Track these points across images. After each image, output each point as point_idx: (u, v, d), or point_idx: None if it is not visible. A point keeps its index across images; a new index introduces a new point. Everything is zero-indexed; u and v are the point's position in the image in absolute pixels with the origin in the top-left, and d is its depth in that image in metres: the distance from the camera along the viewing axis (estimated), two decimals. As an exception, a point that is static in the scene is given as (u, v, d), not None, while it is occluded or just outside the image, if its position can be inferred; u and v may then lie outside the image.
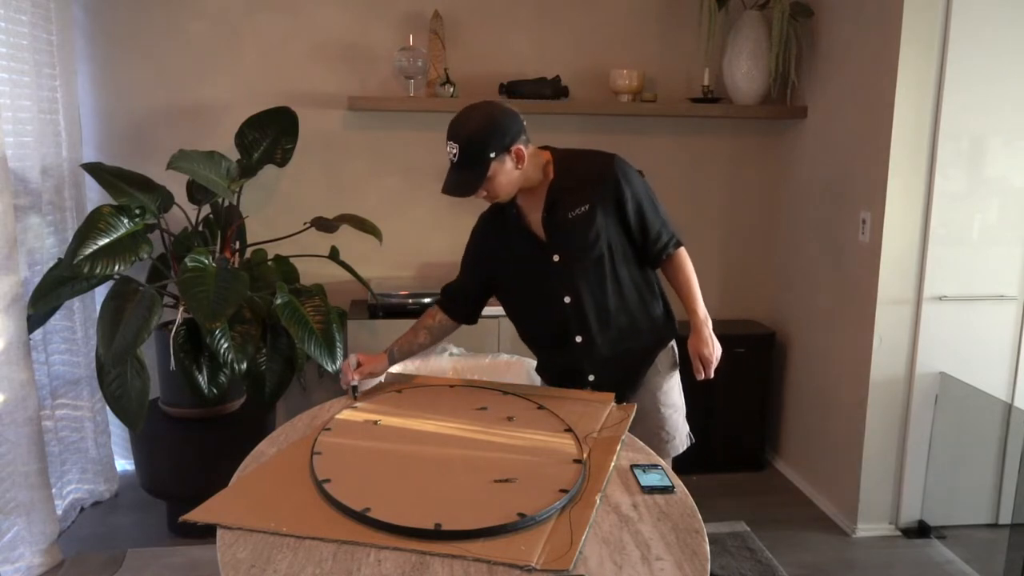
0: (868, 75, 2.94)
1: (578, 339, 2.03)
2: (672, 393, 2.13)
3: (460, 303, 2.18)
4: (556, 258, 1.99)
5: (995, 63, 2.76)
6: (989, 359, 2.96)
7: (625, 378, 2.08)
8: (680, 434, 2.14)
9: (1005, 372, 2.98)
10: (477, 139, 1.84)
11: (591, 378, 2.08)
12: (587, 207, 1.95)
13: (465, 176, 1.87)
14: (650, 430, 2.06)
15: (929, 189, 2.83)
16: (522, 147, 1.88)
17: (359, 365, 2.03)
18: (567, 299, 2.00)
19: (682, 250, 2.07)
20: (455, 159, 1.85)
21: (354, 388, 2.01)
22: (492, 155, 1.85)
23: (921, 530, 3.02)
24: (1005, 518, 2.97)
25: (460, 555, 1.29)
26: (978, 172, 2.85)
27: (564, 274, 2.00)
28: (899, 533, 3.03)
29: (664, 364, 2.11)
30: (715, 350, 2.03)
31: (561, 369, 2.12)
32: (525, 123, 1.91)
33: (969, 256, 2.88)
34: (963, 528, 3.01)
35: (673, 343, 2.14)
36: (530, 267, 2.03)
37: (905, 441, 2.99)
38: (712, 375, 2.04)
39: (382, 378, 2.16)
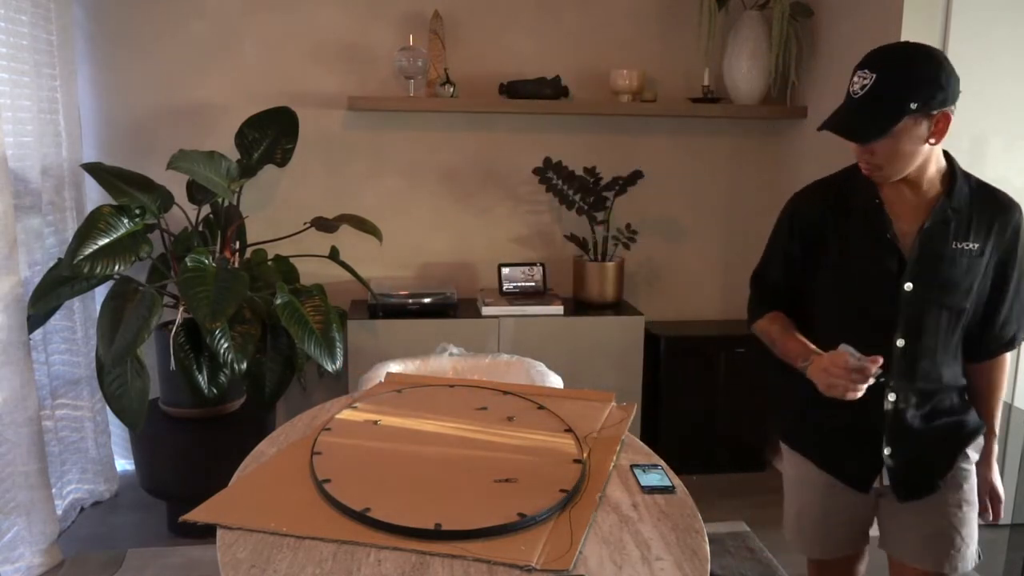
0: (868, 75, 2.94)
1: (891, 397, 1.59)
2: (975, 489, 1.67)
3: (780, 302, 1.77)
4: (909, 287, 1.55)
5: (995, 63, 2.76)
6: (989, 359, 2.95)
7: (929, 464, 1.63)
8: (975, 541, 1.65)
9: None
10: (906, 76, 1.40)
11: (887, 452, 1.60)
12: (978, 246, 1.55)
13: (867, 117, 1.42)
14: (942, 531, 1.62)
15: (929, 189, 2.83)
16: (951, 115, 1.43)
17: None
18: (900, 343, 1.57)
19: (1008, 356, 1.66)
20: (861, 92, 1.43)
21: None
22: (913, 106, 1.39)
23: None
24: (1005, 518, 2.97)
25: (460, 555, 1.29)
26: (978, 172, 2.82)
27: (911, 310, 1.56)
28: (899, 533, 3.03)
29: (972, 452, 1.69)
30: (1001, 488, 1.70)
31: (845, 431, 1.63)
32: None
33: (969, 256, 2.88)
34: (963, 528, 3.01)
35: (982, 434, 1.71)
36: (867, 283, 1.59)
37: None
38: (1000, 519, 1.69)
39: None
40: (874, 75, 1.41)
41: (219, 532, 1.37)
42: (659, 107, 3.40)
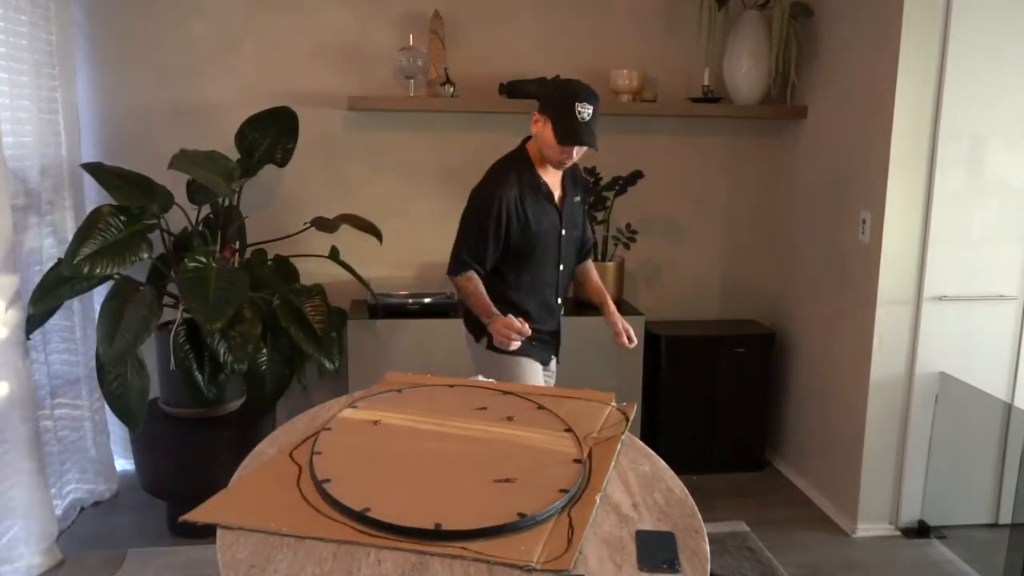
0: (868, 75, 2.94)
1: (558, 301, 2.53)
2: None
3: (486, 266, 2.41)
4: (564, 232, 2.43)
5: (995, 63, 2.76)
6: (989, 359, 2.95)
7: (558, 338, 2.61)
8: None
9: (1005, 372, 2.98)
10: (600, 106, 2.27)
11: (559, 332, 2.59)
12: (579, 197, 2.52)
13: (594, 134, 2.25)
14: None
15: (929, 189, 2.83)
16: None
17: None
18: (561, 267, 2.47)
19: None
20: (589, 117, 2.21)
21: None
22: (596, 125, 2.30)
23: (921, 530, 3.02)
24: (1005, 518, 2.97)
25: (460, 555, 1.29)
26: (978, 172, 2.84)
27: (565, 246, 2.45)
28: (899, 533, 3.03)
29: None
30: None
31: (543, 330, 2.49)
32: None
33: (969, 256, 2.88)
34: (963, 528, 3.01)
35: None
36: (547, 234, 2.40)
37: (905, 441, 2.99)
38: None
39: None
40: (591, 108, 2.21)
41: (219, 532, 1.37)
42: (659, 107, 3.40)
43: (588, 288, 2.64)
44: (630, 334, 2.47)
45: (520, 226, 2.35)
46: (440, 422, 1.85)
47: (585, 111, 2.20)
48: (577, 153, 2.29)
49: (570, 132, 2.22)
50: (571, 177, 2.48)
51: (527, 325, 2.21)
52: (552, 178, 2.40)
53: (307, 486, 1.52)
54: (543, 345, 2.53)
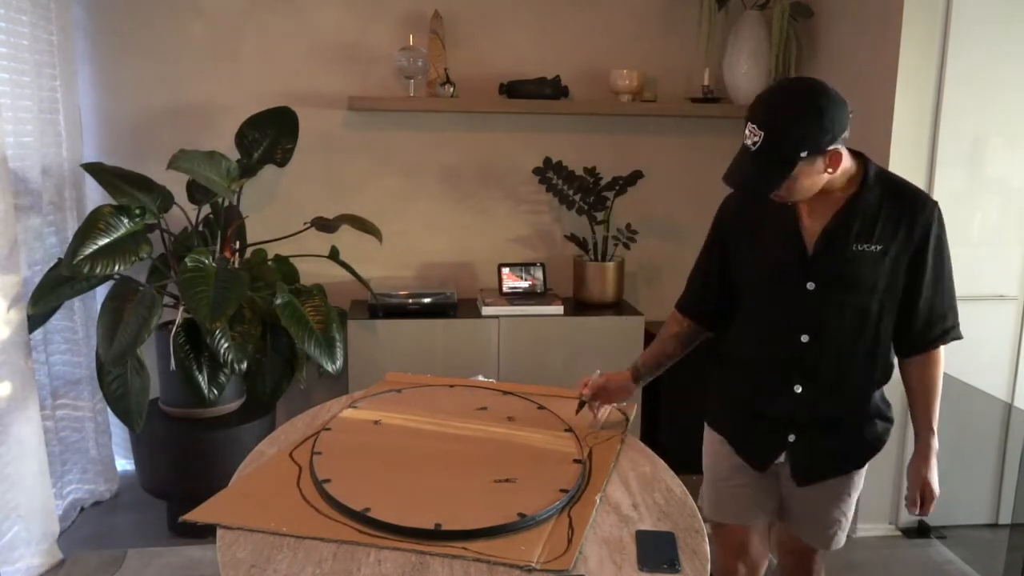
0: (868, 75, 2.94)
1: (797, 389, 1.66)
2: (863, 476, 1.83)
3: (700, 299, 1.83)
4: (811, 286, 1.61)
5: (995, 63, 2.76)
6: (989, 359, 2.95)
7: (826, 462, 1.73)
8: (849, 525, 1.86)
9: (1005, 372, 2.98)
10: (792, 132, 1.46)
11: (791, 439, 1.70)
12: (881, 247, 1.58)
13: (761, 172, 1.49)
14: (827, 513, 1.80)
15: (929, 189, 2.83)
16: (841, 149, 1.50)
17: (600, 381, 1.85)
18: (804, 338, 1.64)
19: (939, 351, 1.72)
20: (754, 146, 1.48)
21: (581, 403, 1.85)
22: (804, 154, 1.46)
23: (921, 530, 3.02)
24: (1005, 518, 2.97)
25: (460, 555, 1.29)
26: (978, 172, 2.85)
27: (814, 307, 1.62)
28: (899, 533, 3.03)
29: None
30: (936, 485, 1.71)
31: (756, 419, 1.73)
32: (852, 114, 1.52)
33: (969, 256, 2.88)
34: (963, 528, 3.01)
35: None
36: (777, 280, 1.66)
37: (905, 441, 2.99)
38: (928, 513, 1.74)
39: (609, 409, 1.93)
40: (763, 133, 1.47)
41: (219, 532, 1.37)
42: (659, 107, 3.40)
43: (909, 400, 1.82)
44: (927, 503, 1.77)
45: (735, 258, 1.76)
46: (440, 422, 1.85)
47: (751, 135, 1.51)
48: (781, 194, 1.53)
49: (734, 160, 1.56)
50: (882, 217, 1.59)
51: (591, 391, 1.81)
52: (817, 204, 1.60)
53: (307, 486, 1.52)
54: (759, 438, 1.74)
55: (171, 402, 2.91)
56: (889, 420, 1.80)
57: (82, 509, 3.10)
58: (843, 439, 1.72)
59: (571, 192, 3.38)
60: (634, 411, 1.97)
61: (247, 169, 2.99)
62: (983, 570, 2.78)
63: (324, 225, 3.05)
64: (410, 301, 3.17)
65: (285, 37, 3.27)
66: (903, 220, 1.59)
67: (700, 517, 1.46)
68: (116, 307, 2.66)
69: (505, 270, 3.38)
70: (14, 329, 2.50)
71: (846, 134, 1.51)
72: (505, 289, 3.36)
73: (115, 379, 2.71)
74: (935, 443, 1.73)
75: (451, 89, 3.24)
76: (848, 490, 1.77)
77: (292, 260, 3.20)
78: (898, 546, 2.96)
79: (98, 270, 2.50)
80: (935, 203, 1.64)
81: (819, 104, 1.47)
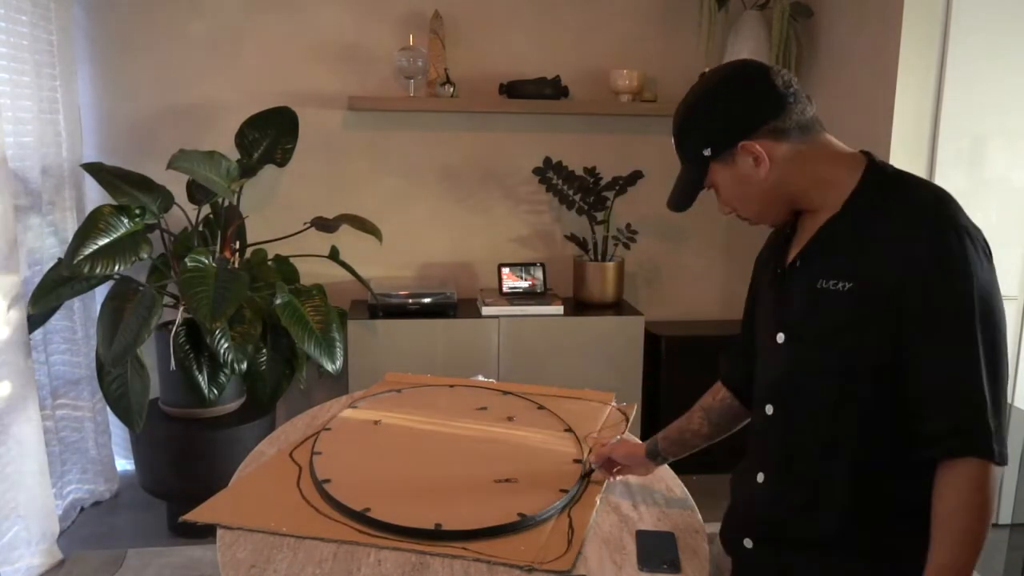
0: (868, 75, 2.94)
1: (759, 478, 1.28)
2: None
3: (735, 365, 1.45)
4: (780, 338, 1.23)
5: (995, 63, 2.76)
6: (989, 359, 2.95)
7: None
8: None
9: (1005, 372, 2.97)
10: (689, 130, 1.23)
11: (747, 544, 1.27)
12: (851, 286, 1.13)
13: (682, 182, 1.26)
14: None
15: (929, 189, 2.83)
16: (757, 143, 1.16)
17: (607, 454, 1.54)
18: (769, 408, 1.26)
19: (979, 466, 1.06)
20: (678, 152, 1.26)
21: (585, 472, 1.58)
22: (708, 152, 1.20)
23: (921, 530, 3.02)
24: (1005, 518, 2.97)
25: (460, 555, 1.29)
26: (978, 172, 2.84)
27: (781, 368, 1.24)
28: (899, 533, 3.02)
29: None
30: None
31: (732, 507, 1.37)
32: (793, 100, 1.16)
33: (969, 256, 2.88)
34: (963, 528, 3.01)
35: None
36: (761, 336, 1.32)
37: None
38: None
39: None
40: (674, 139, 1.26)
41: (219, 532, 1.37)
42: (659, 107, 3.40)
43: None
44: None
45: (750, 301, 1.43)
46: (440, 422, 1.85)
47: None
48: (721, 198, 1.27)
49: None
50: (860, 244, 1.14)
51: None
52: (811, 222, 1.22)
53: (307, 486, 1.52)
54: (727, 536, 1.34)
55: (171, 402, 2.91)
56: (917, 515, 1.12)
57: (82, 509, 3.10)
58: (808, 569, 1.20)
59: (571, 192, 3.38)
60: (634, 411, 1.97)
61: (247, 169, 2.99)
62: (983, 570, 2.78)
63: (324, 225, 3.05)
64: (410, 301, 3.17)
65: (285, 37, 3.27)
66: (882, 249, 1.11)
67: (700, 517, 1.46)
68: (116, 307, 2.66)
69: (505, 270, 3.38)
70: (14, 329, 2.50)
71: (776, 123, 1.15)
72: (505, 289, 3.36)
73: (115, 379, 2.71)
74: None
75: (451, 89, 3.24)
76: None
77: (292, 260, 3.20)
78: (898, 546, 2.96)
79: (98, 270, 2.50)
80: (946, 221, 1.10)
81: (716, 91, 1.20)
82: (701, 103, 1.21)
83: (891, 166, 1.24)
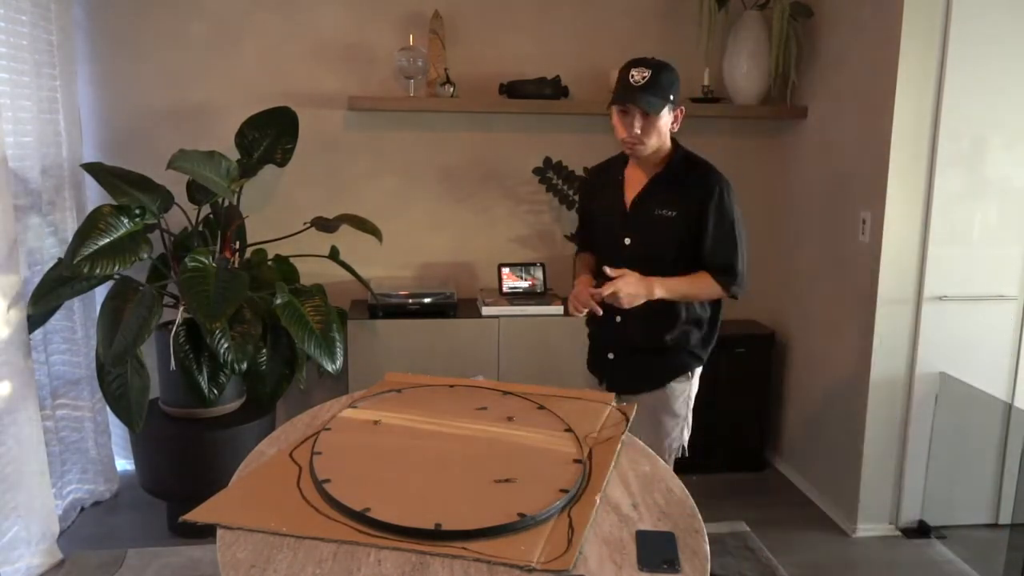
0: (868, 75, 2.94)
1: (618, 319, 2.14)
2: (681, 405, 2.26)
3: (588, 242, 2.33)
4: (627, 241, 2.13)
5: (995, 63, 2.76)
6: (989, 359, 2.95)
7: (641, 377, 2.21)
8: (676, 441, 2.28)
9: (1005, 372, 2.98)
10: (668, 76, 2.00)
11: (610, 356, 2.23)
12: (673, 213, 2.07)
13: (651, 97, 1.97)
14: (654, 426, 2.22)
15: (929, 189, 2.83)
16: (681, 112, 2.07)
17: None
18: None
19: (715, 284, 2.12)
20: (643, 81, 1.97)
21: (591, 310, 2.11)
22: (672, 97, 2.00)
23: (921, 530, 3.02)
24: (1005, 518, 2.97)
25: (460, 555, 1.29)
26: (978, 172, 2.84)
27: (630, 259, 2.09)
28: (899, 533, 3.03)
29: (678, 384, 2.24)
30: (625, 295, 2.01)
31: (594, 338, 2.31)
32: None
33: (969, 256, 2.88)
34: (963, 528, 3.01)
35: (697, 373, 2.27)
36: (607, 234, 2.18)
37: (905, 441, 2.99)
38: (599, 299, 2.05)
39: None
40: (650, 71, 1.98)
41: (219, 532, 1.37)
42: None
43: None
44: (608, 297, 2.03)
45: (591, 217, 2.29)
46: (440, 422, 1.85)
47: (639, 74, 1.98)
48: (640, 127, 2.00)
49: (619, 93, 2.01)
50: (679, 189, 2.09)
51: (593, 303, 2.05)
52: (638, 179, 2.14)
53: (307, 486, 1.52)
54: (594, 359, 2.32)
55: (171, 402, 2.91)
56: (697, 358, 2.24)
57: (82, 509, 3.10)
58: (650, 361, 2.20)
59: (571, 192, 3.38)
60: (634, 411, 1.97)
61: (247, 169, 2.99)
62: (983, 570, 2.78)
63: (324, 225, 3.05)
64: (410, 301, 3.17)
65: (285, 37, 3.27)
66: (693, 191, 2.07)
67: (700, 517, 1.46)
68: (116, 307, 2.66)
69: (505, 270, 3.38)
70: (14, 329, 2.50)
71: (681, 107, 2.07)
72: (505, 289, 3.36)
73: (115, 379, 2.71)
74: (657, 291, 2.05)
75: (451, 89, 3.24)
76: (662, 408, 2.22)
77: (292, 260, 3.20)
78: (898, 546, 2.96)
79: (98, 270, 2.50)
80: (719, 177, 2.08)
81: (675, 72, 2.04)
82: (675, 75, 2.04)
83: (682, 146, 2.15)
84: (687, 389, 2.25)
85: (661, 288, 2.05)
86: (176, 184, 2.96)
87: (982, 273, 2.90)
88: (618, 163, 2.21)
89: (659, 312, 2.12)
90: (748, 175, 3.67)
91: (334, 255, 3.14)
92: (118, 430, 3.30)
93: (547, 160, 3.38)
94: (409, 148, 3.43)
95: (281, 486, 1.53)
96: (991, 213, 2.88)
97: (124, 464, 3.39)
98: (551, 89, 3.29)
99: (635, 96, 1.97)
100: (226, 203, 2.96)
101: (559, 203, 3.41)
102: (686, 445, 2.29)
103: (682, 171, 2.10)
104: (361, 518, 1.39)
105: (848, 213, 3.08)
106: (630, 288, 2.01)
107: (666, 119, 2.04)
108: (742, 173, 3.66)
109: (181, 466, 2.86)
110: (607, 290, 2.00)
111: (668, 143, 2.11)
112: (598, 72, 3.43)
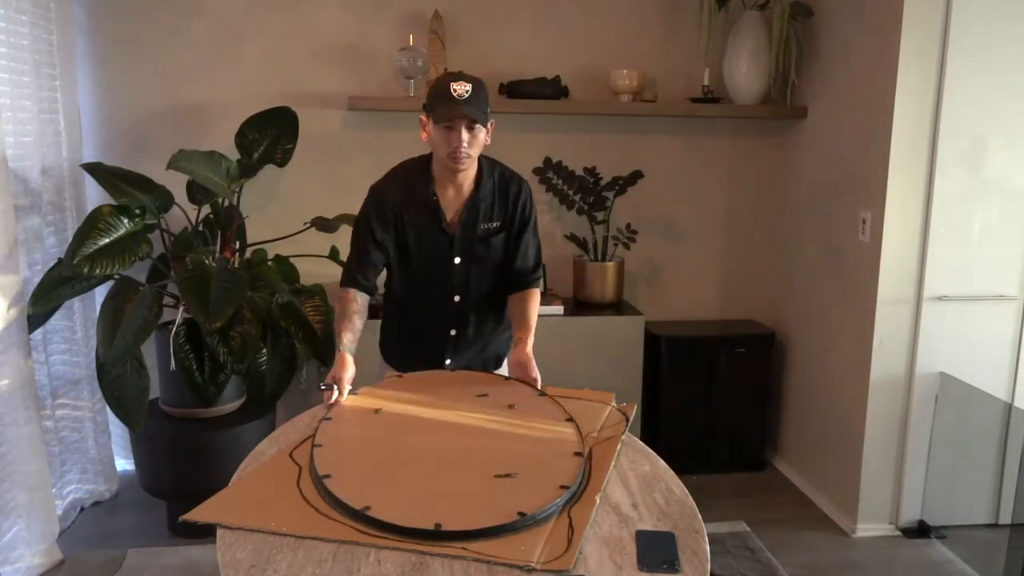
0: (868, 75, 2.94)
1: (452, 332, 2.20)
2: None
3: (370, 279, 2.17)
4: (458, 260, 2.13)
5: (995, 63, 2.76)
6: (989, 359, 2.95)
7: (481, 363, 2.27)
8: None
9: (1005, 372, 2.98)
10: (485, 90, 2.02)
11: (447, 362, 2.24)
12: (498, 224, 2.14)
13: (477, 111, 1.96)
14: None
15: (929, 189, 2.83)
16: (491, 126, 2.07)
17: (338, 391, 1.98)
18: (457, 298, 2.17)
19: (537, 292, 2.24)
20: (466, 94, 1.96)
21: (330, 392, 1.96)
22: (488, 110, 2.01)
23: (921, 530, 3.02)
24: (1005, 518, 2.97)
25: (460, 555, 1.29)
26: (978, 172, 2.84)
27: (461, 276, 2.15)
28: (899, 533, 3.03)
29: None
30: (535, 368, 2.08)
31: (421, 353, 2.23)
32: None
33: (969, 256, 2.88)
34: (963, 528, 3.01)
35: None
36: (432, 259, 2.14)
37: (905, 441, 2.99)
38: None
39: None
40: (471, 85, 1.97)
41: (219, 532, 1.37)
42: (659, 107, 3.40)
43: (513, 320, 2.21)
44: (529, 373, 2.05)
45: (398, 242, 2.12)
46: (440, 412, 1.85)
47: (461, 88, 1.95)
48: (468, 141, 1.97)
49: (445, 109, 1.95)
50: (496, 201, 2.13)
51: (341, 393, 1.94)
52: (453, 198, 2.10)
53: (307, 486, 1.52)
54: (425, 364, 2.21)
55: (171, 402, 2.91)
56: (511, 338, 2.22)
57: (82, 509, 3.10)
58: (485, 359, 2.28)
59: (571, 192, 3.38)
60: (634, 411, 1.97)
61: (247, 169, 2.99)
62: (983, 570, 2.78)
63: (324, 225, 3.05)
64: (410, 301, 3.16)
65: (285, 37, 3.27)
66: (506, 202, 2.14)
67: (700, 517, 1.46)
68: (116, 307, 2.66)
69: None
70: (14, 329, 2.50)
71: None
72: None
73: (115, 379, 2.71)
74: (530, 339, 2.13)
75: (451, 89, 3.24)
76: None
77: (292, 260, 3.20)
78: (898, 546, 2.96)
79: (98, 270, 2.50)
80: (522, 182, 2.18)
81: (487, 87, 2.06)
82: (487, 87, 2.05)
83: (483, 155, 2.12)
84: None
85: (530, 339, 2.14)
86: (176, 184, 2.96)
87: (982, 273, 2.90)
88: (419, 183, 2.11)
89: (492, 311, 2.25)
90: (748, 175, 3.67)
91: (334, 255, 3.14)
92: (118, 430, 3.30)
93: (547, 160, 3.38)
94: (409, 148, 3.40)
95: (281, 486, 1.53)
96: (991, 213, 2.88)
97: (124, 464, 3.39)
98: (551, 89, 3.29)
99: (462, 109, 1.94)
100: (226, 203, 2.96)
101: (559, 203, 3.41)
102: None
103: (494, 179, 2.14)
104: (361, 517, 1.39)
105: (848, 213, 3.08)
106: (532, 363, 2.09)
107: (485, 133, 2.04)
108: (742, 173, 3.67)
109: (181, 466, 2.86)
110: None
111: (475, 164, 2.11)
112: (598, 72, 3.43)
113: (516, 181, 2.18)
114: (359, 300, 2.14)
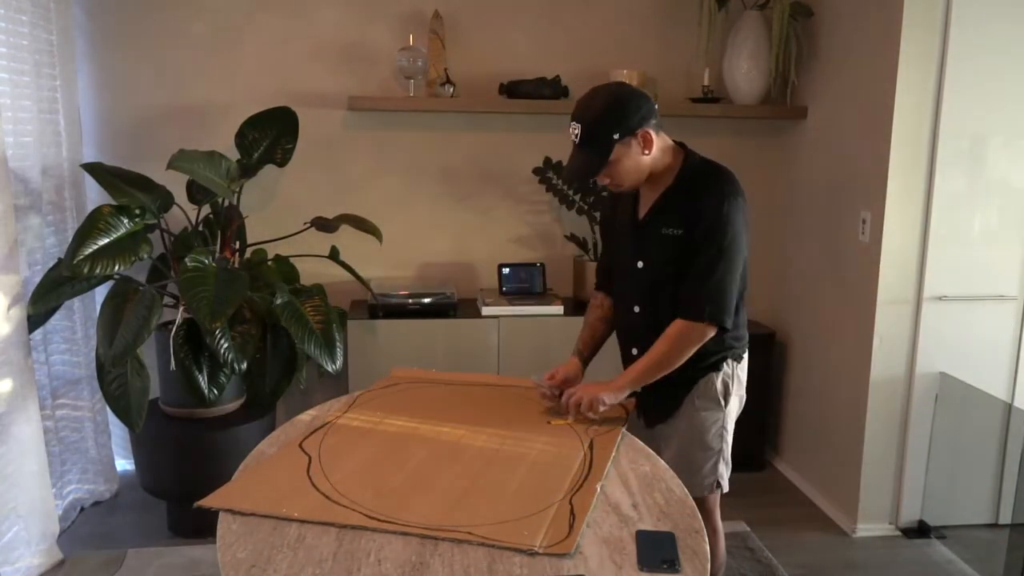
0: (868, 75, 2.94)
1: (633, 351, 2.00)
2: (705, 432, 1.98)
3: (608, 279, 2.11)
4: (640, 264, 1.94)
5: (995, 63, 2.76)
6: (989, 359, 2.95)
7: (663, 402, 2.00)
8: (703, 474, 1.99)
9: (1005, 372, 2.98)
10: (601, 118, 1.77)
11: (634, 352, 2.03)
12: (681, 232, 1.85)
13: (587, 158, 1.80)
14: (679, 456, 1.97)
15: (929, 189, 2.83)
16: (651, 132, 1.81)
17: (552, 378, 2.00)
18: (636, 308, 1.97)
19: (689, 325, 1.86)
20: (577, 139, 1.79)
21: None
22: (616, 136, 1.77)
23: (921, 530, 3.02)
24: (1005, 518, 2.97)
25: (464, 539, 1.31)
26: (978, 172, 2.85)
27: (642, 282, 1.94)
28: (899, 533, 3.03)
29: (704, 395, 1.97)
30: (588, 402, 1.85)
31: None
32: (656, 107, 1.85)
33: (969, 256, 2.88)
34: (963, 528, 3.01)
35: (722, 376, 1.99)
36: (620, 258, 2.02)
37: (905, 441, 2.99)
38: (567, 412, 1.89)
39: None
40: (580, 125, 1.79)
41: (219, 532, 1.37)
42: (659, 107, 3.37)
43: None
44: (577, 405, 1.87)
45: (606, 233, 2.12)
46: (441, 419, 1.85)
47: (572, 130, 1.81)
48: (605, 178, 1.85)
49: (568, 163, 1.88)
50: (683, 201, 1.87)
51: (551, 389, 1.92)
52: (651, 191, 1.91)
53: (317, 474, 1.55)
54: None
55: (171, 402, 2.91)
56: (715, 367, 1.98)
57: (82, 509, 3.10)
58: (668, 384, 1.94)
59: (571, 192, 3.38)
60: (633, 406, 1.97)
61: (247, 169, 2.99)
62: (983, 570, 2.78)
63: (324, 225, 3.05)
64: (410, 301, 3.17)
65: (285, 37, 3.27)
66: (692, 209, 1.84)
67: (700, 517, 1.46)
68: (116, 307, 2.66)
69: (505, 270, 3.38)
70: (14, 329, 2.50)
71: (654, 120, 1.83)
72: (505, 289, 3.36)
73: (115, 379, 2.70)
74: (623, 382, 1.91)
75: (451, 89, 3.24)
76: (685, 435, 1.99)
77: (292, 260, 3.20)
78: (898, 546, 2.96)
79: (98, 270, 2.50)
80: (727, 196, 1.84)
81: (619, 95, 1.81)
82: (616, 103, 1.79)
83: (697, 154, 1.93)
84: (719, 418, 1.99)
85: (626, 379, 1.90)
86: (176, 184, 2.96)
87: (982, 273, 2.90)
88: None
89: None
90: (748, 175, 3.64)
91: (334, 255, 3.14)
92: (118, 430, 3.30)
93: (547, 160, 3.38)
94: (409, 148, 3.43)
95: (291, 474, 1.56)
96: (991, 213, 2.88)
97: (124, 464, 3.39)
98: (551, 89, 3.29)
99: (572, 165, 1.85)
100: (226, 203, 2.96)
101: (559, 203, 3.41)
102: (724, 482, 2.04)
103: (694, 182, 1.87)
104: (361, 517, 1.39)
105: (848, 213, 3.08)
106: (588, 396, 1.85)
107: (628, 154, 1.81)
108: (742, 173, 3.64)
109: (181, 466, 2.86)
110: (567, 401, 1.89)
111: (664, 160, 1.88)
112: (598, 72, 3.42)
113: (716, 192, 1.85)
114: (604, 304, 2.12)
